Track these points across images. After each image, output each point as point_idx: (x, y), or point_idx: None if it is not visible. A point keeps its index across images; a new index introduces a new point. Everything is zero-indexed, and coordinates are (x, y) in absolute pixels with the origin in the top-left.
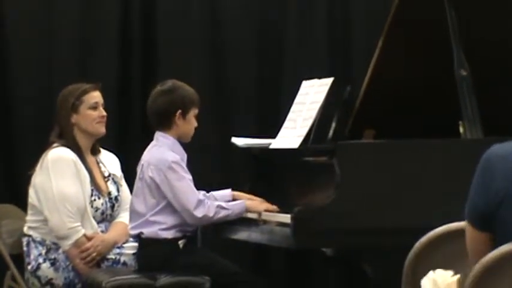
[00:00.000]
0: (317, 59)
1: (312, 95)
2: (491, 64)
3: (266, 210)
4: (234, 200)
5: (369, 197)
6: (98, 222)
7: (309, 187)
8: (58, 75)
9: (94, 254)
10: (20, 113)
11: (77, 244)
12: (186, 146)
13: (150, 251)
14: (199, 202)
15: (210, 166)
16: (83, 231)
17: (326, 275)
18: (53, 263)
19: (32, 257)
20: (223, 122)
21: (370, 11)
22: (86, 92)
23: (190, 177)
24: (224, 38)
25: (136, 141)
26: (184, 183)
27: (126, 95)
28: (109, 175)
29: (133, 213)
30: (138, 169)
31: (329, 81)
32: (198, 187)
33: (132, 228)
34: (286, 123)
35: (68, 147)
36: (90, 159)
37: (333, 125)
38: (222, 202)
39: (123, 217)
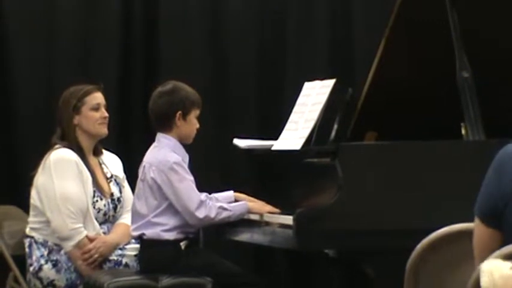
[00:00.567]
0: (319, 61)
1: (313, 97)
2: (493, 66)
3: (268, 212)
4: (236, 201)
5: (371, 199)
6: (100, 224)
7: (311, 188)
8: (59, 76)
9: (96, 256)
10: (21, 114)
11: (79, 245)
12: (187, 147)
13: (152, 253)
14: (201, 203)
15: (211, 167)
16: (85, 233)
17: (328, 277)
18: (55, 264)
19: (34, 258)
20: (225, 123)
21: (372, 12)
22: (88, 93)
23: (192, 178)
24: (225, 40)
25: (137, 142)
26: (186, 185)
27: (127, 95)
28: (111, 176)
29: (135, 215)
30: (140, 170)
31: (331, 82)
32: (200, 188)
33: (134, 229)
34: (288, 125)
35: (70, 148)
36: (93, 160)
37: (335, 126)
38: (223, 203)
39: (126, 218)
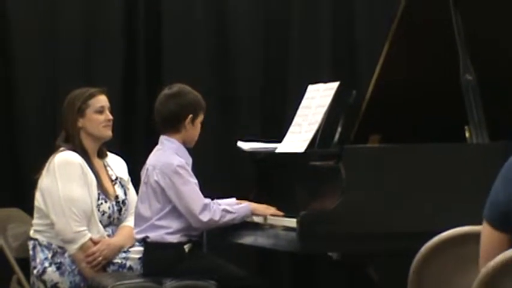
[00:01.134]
0: (322, 63)
1: (317, 99)
2: (497, 68)
3: (272, 215)
4: None
5: (374, 201)
6: (105, 226)
7: (314, 191)
8: (63, 78)
9: (100, 258)
10: (25, 116)
11: (83, 248)
12: (191, 150)
13: (156, 255)
14: (205, 206)
15: (215, 170)
16: (89, 235)
17: (332, 280)
18: (59, 267)
19: (37, 260)
20: (229, 126)
21: (376, 14)
22: (92, 95)
23: (196, 181)
24: (229, 41)
25: (140, 144)
26: (189, 187)
27: (130, 97)
28: (116, 178)
29: (139, 218)
30: (143, 173)
31: (335, 85)
32: (203, 191)
33: (138, 232)
34: (292, 128)
35: (75, 151)
36: (97, 162)
37: (339, 129)
38: (227, 206)
39: (130, 221)
